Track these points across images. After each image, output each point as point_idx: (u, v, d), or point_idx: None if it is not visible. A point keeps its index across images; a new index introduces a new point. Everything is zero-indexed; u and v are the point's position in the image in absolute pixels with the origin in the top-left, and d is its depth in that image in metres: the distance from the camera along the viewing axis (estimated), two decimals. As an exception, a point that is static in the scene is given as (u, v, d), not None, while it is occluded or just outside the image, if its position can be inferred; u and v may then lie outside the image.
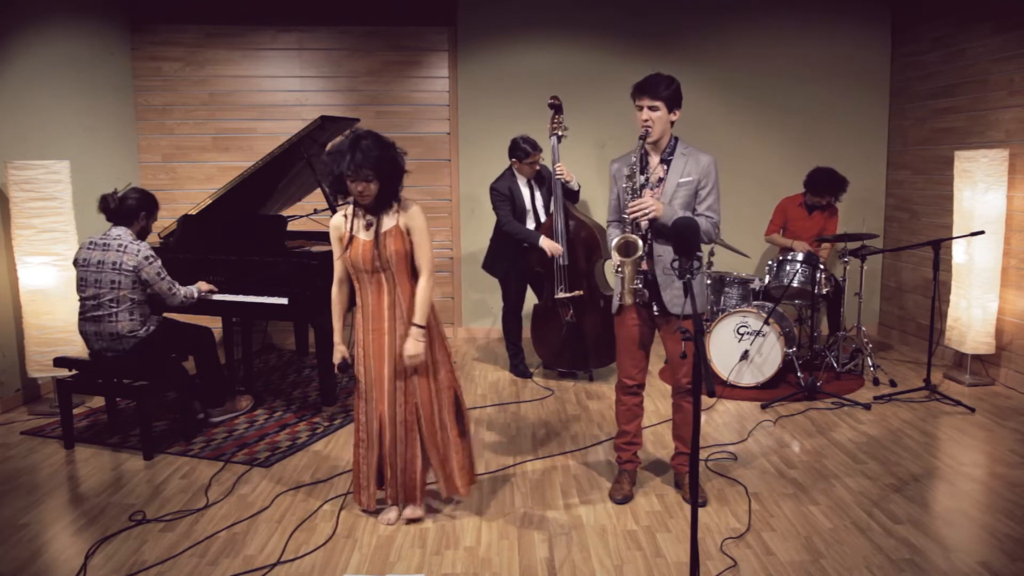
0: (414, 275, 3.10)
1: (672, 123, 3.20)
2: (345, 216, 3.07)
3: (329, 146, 3.05)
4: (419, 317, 3.05)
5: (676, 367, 3.34)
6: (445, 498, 3.32)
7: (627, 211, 3.16)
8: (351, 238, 3.03)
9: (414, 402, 3.11)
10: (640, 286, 3.19)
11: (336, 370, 3.15)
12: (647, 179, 3.20)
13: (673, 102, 3.15)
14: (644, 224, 3.16)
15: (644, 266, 3.21)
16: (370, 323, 3.08)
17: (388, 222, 3.03)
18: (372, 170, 2.90)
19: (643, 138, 3.16)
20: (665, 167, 3.22)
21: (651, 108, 3.12)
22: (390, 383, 3.09)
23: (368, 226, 3.03)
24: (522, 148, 5.00)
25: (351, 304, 3.20)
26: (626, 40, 6.32)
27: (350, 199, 3.05)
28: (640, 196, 3.16)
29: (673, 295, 3.20)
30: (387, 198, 3.02)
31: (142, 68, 6.20)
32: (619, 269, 3.17)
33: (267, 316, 4.70)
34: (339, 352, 3.14)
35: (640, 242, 3.09)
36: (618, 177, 3.30)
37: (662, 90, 3.11)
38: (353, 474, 3.26)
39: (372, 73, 6.33)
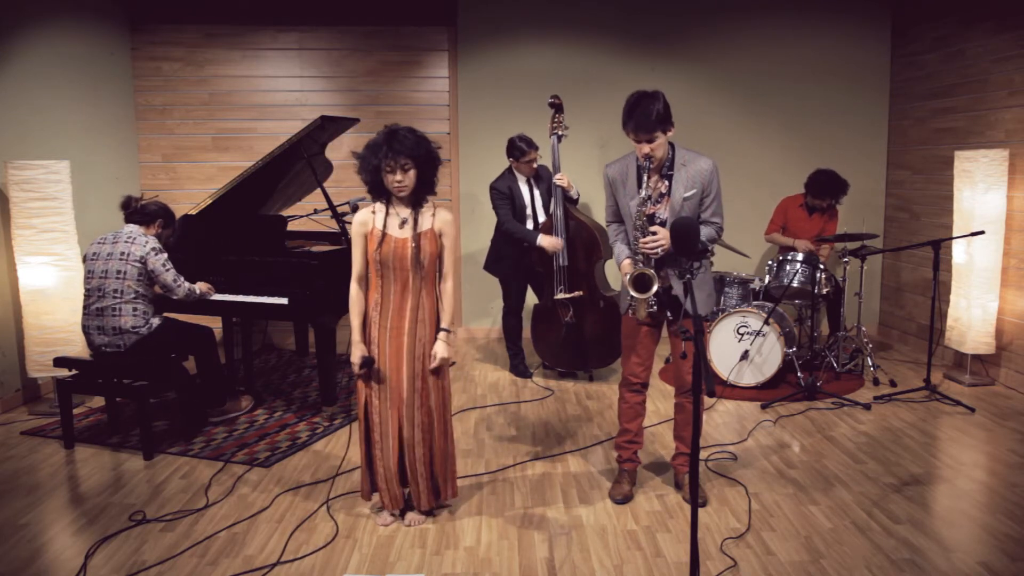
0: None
1: (669, 137, 3.16)
2: (373, 212, 3.05)
3: (360, 145, 3.03)
4: (447, 321, 3.08)
5: (681, 367, 3.34)
6: (439, 504, 3.29)
7: (640, 246, 3.13)
8: (383, 235, 3.01)
9: (428, 405, 3.11)
10: (655, 308, 3.19)
11: (358, 368, 3.06)
12: (649, 196, 3.18)
13: (667, 123, 3.07)
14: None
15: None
16: (389, 321, 3.06)
17: (424, 222, 3.03)
18: (409, 158, 2.91)
19: (646, 168, 3.12)
20: (667, 182, 3.19)
21: (648, 142, 3.06)
22: (409, 384, 3.07)
23: (403, 223, 3.02)
24: (518, 147, 5.00)
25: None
26: (626, 40, 6.32)
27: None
28: (647, 230, 3.13)
29: (697, 299, 3.18)
30: (424, 190, 3.02)
31: (142, 68, 6.20)
32: (632, 299, 3.16)
33: (267, 316, 4.69)
34: (359, 349, 3.08)
35: (655, 278, 3.04)
36: (612, 185, 3.28)
37: (654, 119, 3.02)
38: (366, 476, 3.22)
39: (372, 73, 6.33)
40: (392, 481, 3.16)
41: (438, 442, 3.17)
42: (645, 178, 3.14)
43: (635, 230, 3.15)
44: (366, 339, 3.09)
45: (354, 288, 3.12)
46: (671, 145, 3.20)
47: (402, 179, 2.94)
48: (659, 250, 3.12)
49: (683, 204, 3.16)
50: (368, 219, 3.05)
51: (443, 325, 3.09)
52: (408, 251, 2.99)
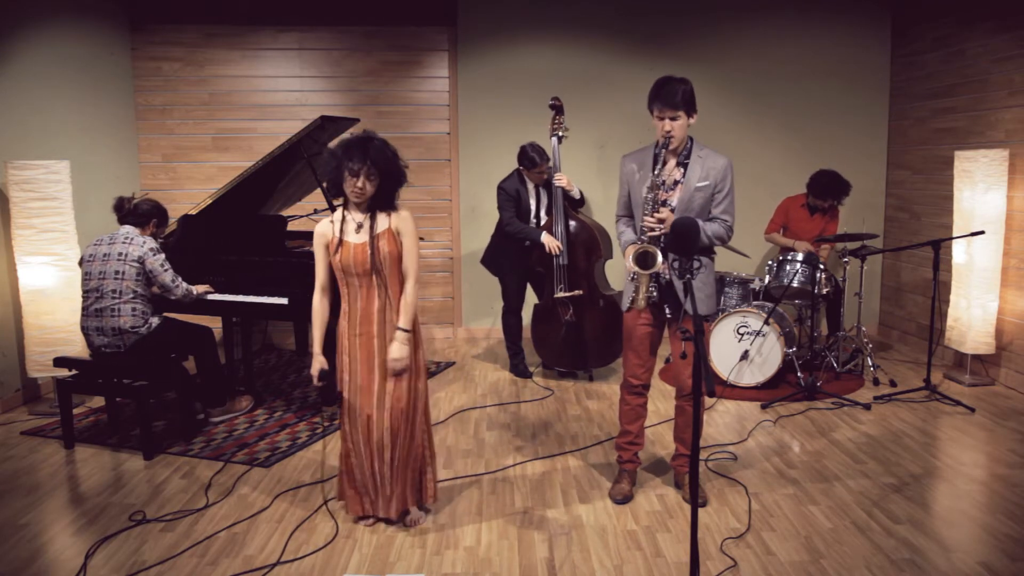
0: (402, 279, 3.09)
1: (689, 125, 3.17)
2: (332, 222, 3.05)
3: (334, 141, 3.04)
4: (404, 321, 3.02)
5: (681, 369, 3.34)
6: (402, 509, 3.20)
7: (644, 224, 3.15)
8: (340, 242, 3.01)
9: (400, 407, 3.08)
10: (655, 293, 3.19)
11: (317, 380, 3.09)
12: (663, 181, 3.19)
13: (691, 107, 3.12)
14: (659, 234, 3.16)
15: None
16: (357, 328, 3.05)
17: (380, 224, 3.02)
18: (378, 168, 2.91)
19: (664, 148, 3.13)
20: (682, 170, 3.20)
21: (672, 118, 3.09)
22: (379, 386, 3.07)
23: (358, 228, 3.02)
24: (530, 157, 4.99)
25: (332, 313, 3.16)
26: (626, 40, 6.32)
27: (338, 203, 3.05)
28: (657, 207, 3.14)
29: (699, 300, 3.17)
30: (381, 202, 3.02)
31: (142, 68, 6.20)
32: (633, 276, 3.16)
33: (267, 316, 4.69)
34: (318, 362, 3.09)
35: (659, 255, 3.06)
36: (629, 175, 3.29)
37: (680, 98, 3.07)
38: (342, 483, 3.21)
39: (372, 73, 6.33)
40: (369, 487, 3.15)
41: (405, 446, 3.12)
42: (661, 163, 3.14)
43: (646, 205, 3.15)
44: (339, 349, 3.09)
45: (316, 299, 3.11)
46: (690, 139, 3.22)
47: (363, 187, 2.93)
48: (662, 226, 3.11)
49: (694, 194, 3.17)
50: (327, 229, 3.05)
51: (400, 324, 3.02)
52: (366, 255, 2.98)
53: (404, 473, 3.15)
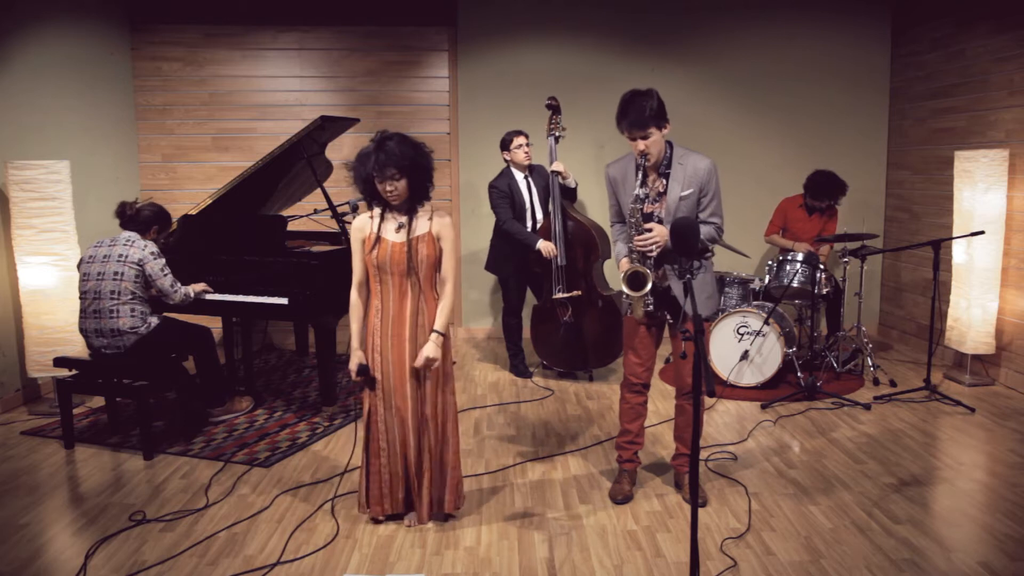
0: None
1: (664, 134, 3.16)
2: (371, 217, 3.06)
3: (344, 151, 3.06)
4: (441, 324, 3.05)
5: (682, 367, 3.34)
6: (435, 514, 3.23)
7: (635, 244, 3.16)
8: (378, 239, 3.02)
9: (429, 413, 3.10)
10: (651, 308, 3.19)
11: (355, 376, 3.06)
12: (647, 194, 3.19)
13: (662, 120, 3.09)
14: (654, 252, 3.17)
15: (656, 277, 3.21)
16: (390, 328, 3.05)
17: (421, 227, 3.03)
18: (396, 168, 2.92)
19: (641, 166, 3.13)
20: (664, 180, 3.20)
21: (643, 138, 3.07)
22: (412, 389, 3.07)
23: (399, 228, 3.03)
24: (505, 137, 5.11)
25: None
26: (626, 40, 6.32)
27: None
28: (640, 228, 3.14)
29: (698, 300, 3.18)
30: (418, 197, 3.03)
31: (142, 68, 6.20)
32: (627, 297, 3.17)
33: (267, 316, 4.70)
34: (356, 357, 3.07)
35: (649, 276, 3.06)
36: (614, 185, 3.29)
37: (647, 115, 3.03)
38: (367, 484, 3.18)
39: (372, 73, 6.33)
40: (397, 487, 3.15)
41: (434, 451, 3.13)
42: (641, 176, 3.14)
43: (631, 228, 3.17)
44: (369, 346, 3.09)
45: (354, 295, 3.11)
46: (669, 144, 3.21)
47: (393, 188, 2.95)
48: (654, 247, 3.12)
49: (679, 203, 3.16)
50: (366, 224, 3.06)
51: (436, 327, 3.04)
52: (403, 255, 2.99)
53: (439, 478, 3.16)
